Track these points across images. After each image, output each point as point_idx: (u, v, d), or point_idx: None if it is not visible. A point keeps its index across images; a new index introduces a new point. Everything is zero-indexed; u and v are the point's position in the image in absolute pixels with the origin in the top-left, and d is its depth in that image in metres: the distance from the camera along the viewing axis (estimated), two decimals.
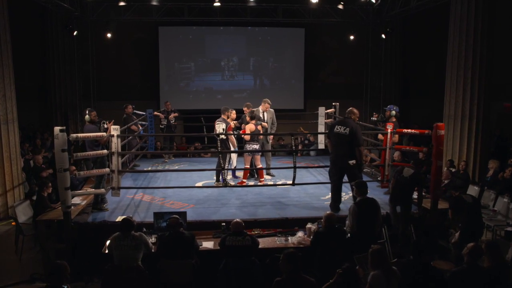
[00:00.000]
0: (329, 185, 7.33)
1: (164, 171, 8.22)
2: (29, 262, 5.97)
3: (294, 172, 6.49)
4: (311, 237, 5.18)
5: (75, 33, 12.28)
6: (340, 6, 11.89)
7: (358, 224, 4.92)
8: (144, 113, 9.75)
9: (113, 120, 6.31)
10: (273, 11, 12.74)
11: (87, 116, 6.20)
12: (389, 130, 6.48)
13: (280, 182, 7.73)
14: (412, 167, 5.63)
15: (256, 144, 7.47)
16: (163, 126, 10.00)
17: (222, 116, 7.47)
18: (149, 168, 8.96)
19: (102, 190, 6.01)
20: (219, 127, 7.30)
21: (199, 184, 7.63)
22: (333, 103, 9.92)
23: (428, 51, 13.87)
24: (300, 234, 5.32)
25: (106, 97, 13.49)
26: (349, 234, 5.00)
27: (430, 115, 13.62)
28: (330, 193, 7.01)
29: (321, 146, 9.89)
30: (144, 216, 5.93)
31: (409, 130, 6.69)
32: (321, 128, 9.88)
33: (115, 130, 5.99)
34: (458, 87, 8.98)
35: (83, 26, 12.74)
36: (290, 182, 7.53)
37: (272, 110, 8.32)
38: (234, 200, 6.72)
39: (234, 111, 7.78)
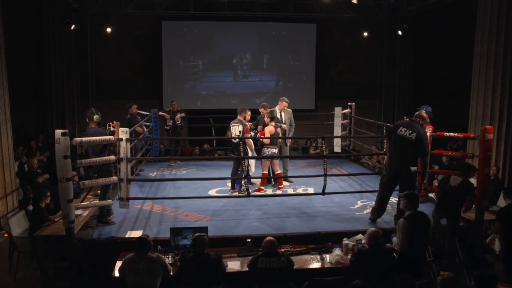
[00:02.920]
0: (356, 194, 6.76)
1: (176, 179, 7.48)
2: (25, 282, 5.33)
3: (325, 180, 5.82)
4: (349, 255, 4.57)
5: (72, 27, 11.49)
6: (354, 1, 11.26)
7: (409, 242, 4.30)
8: (148, 113, 9.06)
9: (118, 122, 5.56)
10: (283, 5, 12.07)
11: (96, 116, 5.42)
12: (427, 133, 5.84)
13: (300, 190, 7.08)
14: (460, 175, 5.01)
15: (275, 148, 6.84)
16: (168, 127, 9.28)
17: (239, 117, 6.80)
18: (155, 173, 8.29)
19: (110, 201, 5.28)
20: (235, 129, 6.65)
21: (213, 191, 6.95)
22: (349, 103, 9.33)
23: (444, 49, 13.27)
24: (337, 251, 4.66)
25: (105, 96, 12.69)
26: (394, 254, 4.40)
27: (440, 114, 13.02)
28: (359, 202, 6.43)
29: (337, 149, 9.29)
30: (157, 230, 5.22)
31: (451, 134, 6.06)
32: (338, 129, 9.27)
33: (124, 133, 5.27)
34: (487, 87, 8.38)
35: (81, 20, 11.93)
36: (311, 189, 6.97)
37: (289, 110, 7.68)
38: (255, 211, 6.03)
39: (249, 112, 7.12)
